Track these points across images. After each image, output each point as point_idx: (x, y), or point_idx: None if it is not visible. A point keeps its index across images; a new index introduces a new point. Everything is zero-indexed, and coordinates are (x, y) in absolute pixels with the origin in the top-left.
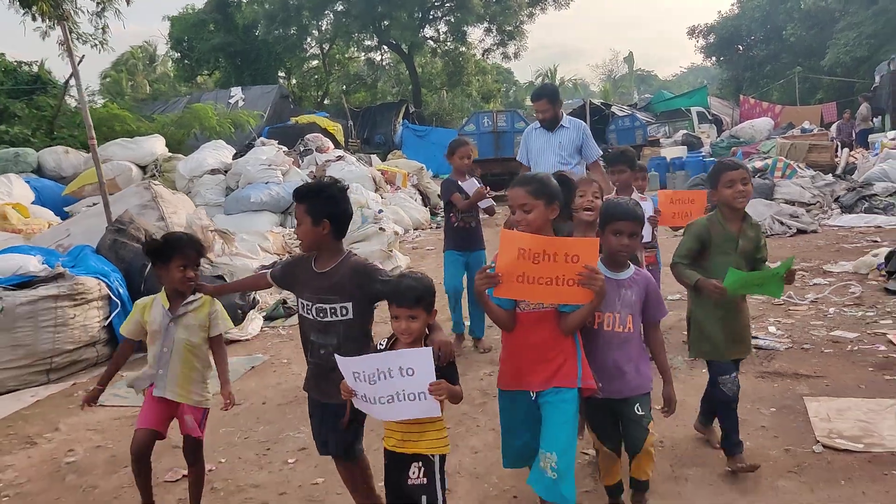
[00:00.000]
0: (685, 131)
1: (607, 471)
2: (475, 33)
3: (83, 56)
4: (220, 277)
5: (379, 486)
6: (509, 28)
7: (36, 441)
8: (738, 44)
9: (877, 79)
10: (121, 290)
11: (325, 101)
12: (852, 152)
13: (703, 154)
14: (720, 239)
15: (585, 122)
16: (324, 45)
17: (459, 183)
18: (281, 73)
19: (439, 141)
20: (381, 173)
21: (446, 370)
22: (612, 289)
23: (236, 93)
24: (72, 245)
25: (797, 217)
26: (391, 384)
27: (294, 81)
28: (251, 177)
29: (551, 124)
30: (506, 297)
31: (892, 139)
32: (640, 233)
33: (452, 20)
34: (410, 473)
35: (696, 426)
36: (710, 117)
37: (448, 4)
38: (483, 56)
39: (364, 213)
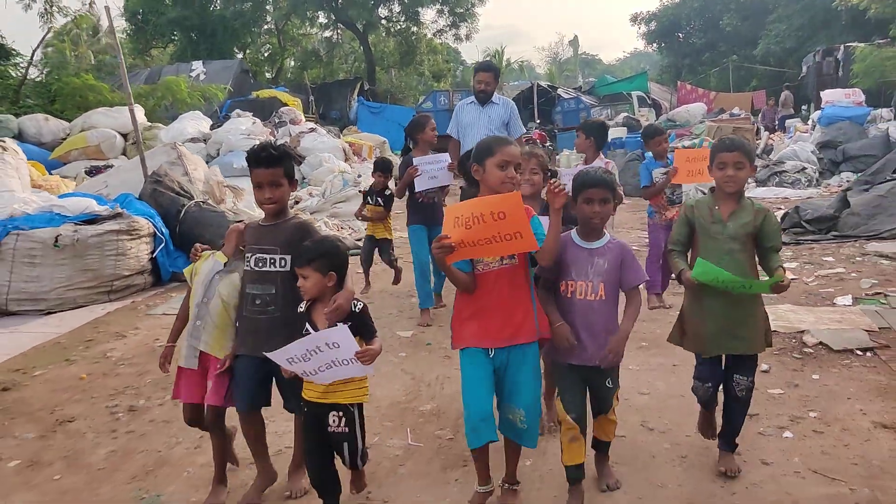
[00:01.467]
0: (626, 114)
1: (568, 446)
2: (428, 14)
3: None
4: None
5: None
6: (461, 10)
7: (125, 334)
8: (678, 32)
9: (804, 69)
10: (163, 230)
11: (279, 77)
12: (772, 135)
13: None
14: (707, 221)
15: (533, 103)
16: (279, 22)
17: (415, 159)
18: (236, 49)
19: (393, 118)
20: (350, 145)
21: (357, 325)
22: (584, 258)
23: (198, 67)
24: (110, 195)
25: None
26: (323, 356)
27: (249, 56)
28: (232, 145)
29: (485, 99)
30: (458, 260)
31: (806, 125)
32: (612, 198)
33: (406, 1)
34: (331, 422)
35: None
36: (649, 101)
37: None
38: (436, 36)
39: (345, 177)
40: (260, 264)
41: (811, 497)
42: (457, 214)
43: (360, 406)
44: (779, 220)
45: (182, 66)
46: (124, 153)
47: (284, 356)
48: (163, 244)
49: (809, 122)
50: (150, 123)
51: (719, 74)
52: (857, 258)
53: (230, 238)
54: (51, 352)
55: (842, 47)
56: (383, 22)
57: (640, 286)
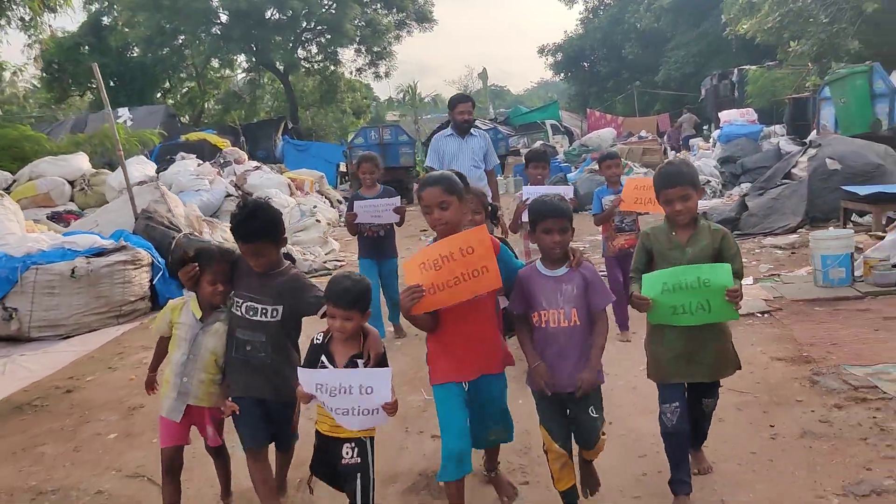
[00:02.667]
0: (542, 141)
1: (559, 473)
2: (347, 54)
3: None
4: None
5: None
6: (378, 49)
7: (150, 347)
8: (584, 61)
9: (702, 91)
10: (160, 260)
11: (200, 120)
12: (678, 154)
13: (559, 160)
14: (664, 247)
15: None
16: (198, 67)
17: (357, 204)
18: (157, 94)
19: (319, 154)
20: (291, 180)
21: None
22: (552, 286)
23: (124, 113)
24: (103, 232)
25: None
26: (349, 399)
27: (171, 101)
28: (182, 185)
29: (467, 129)
30: (428, 310)
31: (707, 143)
32: (570, 227)
33: (323, 41)
34: (344, 454)
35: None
36: (562, 129)
37: (319, 28)
38: (356, 75)
39: (302, 208)
40: (251, 313)
41: (729, 404)
42: (421, 261)
43: (371, 440)
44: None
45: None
46: (72, 199)
47: (315, 380)
48: (161, 272)
49: (710, 140)
50: (95, 170)
51: (625, 100)
52: (756, 250)
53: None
54: (90, 364)
55: (735, 70)
56: (303, 63)
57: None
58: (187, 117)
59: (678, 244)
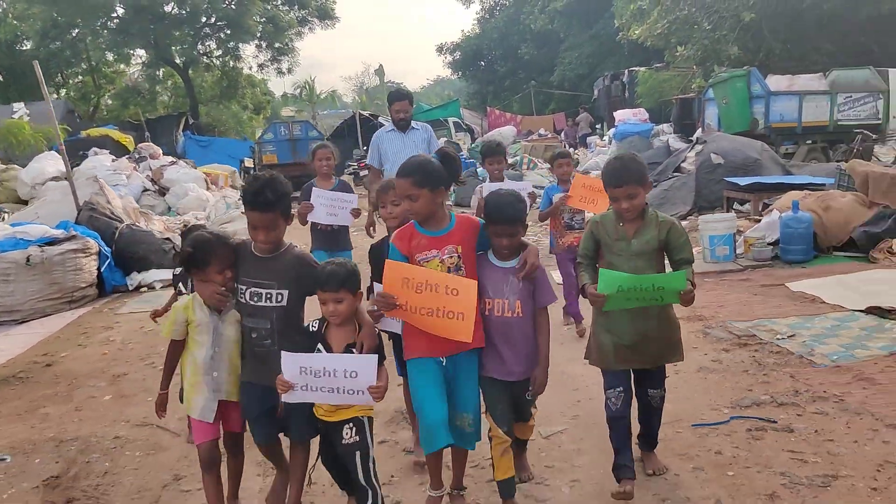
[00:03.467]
0: (445, 139)
1: (500, 461)
2: (248, 49)
3: None
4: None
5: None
6: (279, 45)
7: (111, 326)
8: (481, 60)
9: (595, 92)
10: (107, 248)
11: (96, 115)
12: (576, 151)
13: (464, 156)
14: (611, 238)
15: (357, 131)
16: (94, 62)
17: (316, 192)
18: (51, 88)
19: (222, 150)
20: (206, 175)
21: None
22: (500, 276)
23: (20, 108)
24: (44, 223)
25: (538, 197)
26: (333, 381)
27: (62, 96)
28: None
29: (405, 126)
30: (391, 318)
31: (603, 141)
32: (520, 230)
33: (223, 36)
34: (344, 435)
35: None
36: (464, 126)
37: (220, 23)
38: (258, 70)
39: (227, 200)
40: (255, 299)
41: (689, 331)
42: (407, 275)
43: (370, 420)
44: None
45: (2, 108)
46: None
47: (299, 363)
48: (108, 260)
49: (605, 138)
50: (4, 165)
51: (521, 99)
52: None
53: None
54: (58, 343)
55: (626, 72)
56: (204, 58)
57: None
58: (82, 112)
59: (624, 236)
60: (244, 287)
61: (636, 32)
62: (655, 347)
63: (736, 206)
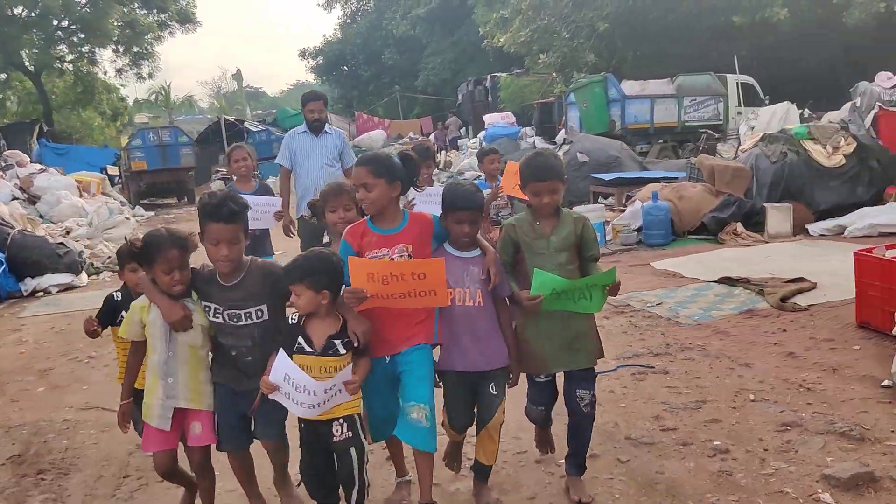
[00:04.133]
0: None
1: (452, 455)
2: (106, 54)
3: None
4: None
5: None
6: (138, 49)
7: (19, 329)
8: (344, 65)
9: (459, 97)
10: (1, 255)
11: None
12: (448, 153)
13: None
14: (530, 238)
15: (222, 136)
16: None
17: (236, 188)
18: None
19: (81, 158)
20: (78, 182)
21: (363, 350)
22: (459, 266)
23: None
24: None
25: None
26: (314, 398)
27: None
28: None
29: (319, 128)
30: (367, 307)
31: (473, 142)
32: (479, 217)
33: (76, 41)
34: (335, 432)
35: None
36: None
37: (73, 27)
38: (117, 76)
39: (110, 206)
40: (235, 320)
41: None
42: (370, 270)
43: (360, 416)
44: None
45: None
46: None
47: (285, 370)
48: (3, 266)
49: (475, 140)
50: None
51: (387, 104)
52: None
53: (174, 308)
54: None
55: (489, 77)
56: (57, 62)
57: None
58: None
59: (542, 234)
60: (220, 308)
61: (501, 40)
62: (587, 344)
63: (600, 199)
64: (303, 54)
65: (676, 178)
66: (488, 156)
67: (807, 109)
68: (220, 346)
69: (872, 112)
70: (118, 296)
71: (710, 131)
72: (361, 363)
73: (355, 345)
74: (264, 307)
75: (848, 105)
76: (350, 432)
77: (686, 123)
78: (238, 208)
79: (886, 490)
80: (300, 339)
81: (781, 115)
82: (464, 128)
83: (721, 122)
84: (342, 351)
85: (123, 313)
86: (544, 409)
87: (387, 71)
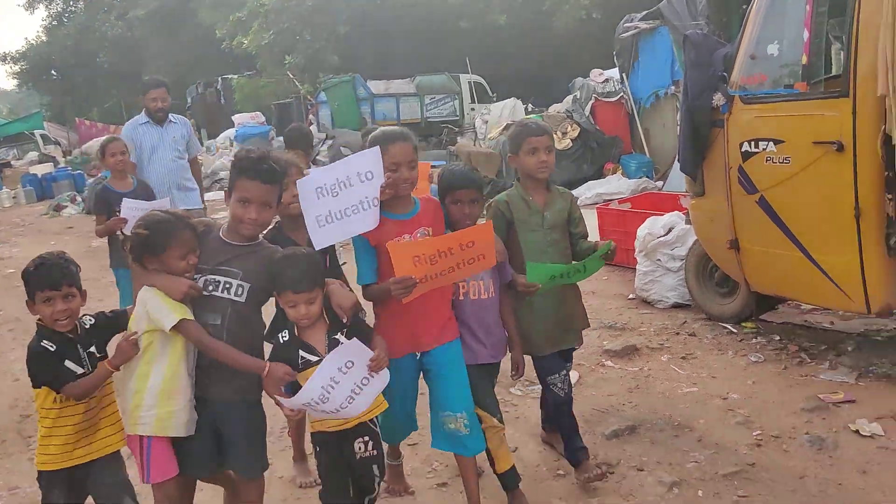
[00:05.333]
0: (35, 152)
1: (498, 451)
2: None
3: None
4: None
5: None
6: None
7: None
8: (53, 70)
9: (189, 99)
10: None
11: None
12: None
13: (69, 169)
14: (524, 214)
15: None
16: None
17: (127, 204)
18: None
19: None
20: None
21: (356, 328)
22: None
23: None
24: None
25: None
26: (343, 388)
27: None
28: None
29: (163, 118)
30: (418, 295)
31: (222, 142)
32: (481, 199)
33: None
34: (356, 448)
35: (541, 434)
36: (53, 139)
37: None
38: None
39: None
40: (211, 287)
41: None
42: (416, 253)
43: (378, 427)
44: None
45: None
46: None
47: (303, 400)
48: None
49: (227, 139)
50: None
51: (110, 108)
52: None
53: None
54: None
55: (220, 79)
56: None
57: None
58: None
59: (537, 209)
60: (199, 275)
61: (245, 42)
62: (577, 323)
63: None
64: (3, 59)
65: (441, 164)
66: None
67: (530, 104)
68: None
69: (590, 103)
70: (50, 345)
71: (450, 126)
72: (377, 340)
73: (344, 320)
74: (246, 286)
75: (570, 98)
76: (375, 450)
77: (428, 119)
78: (280, 168)
79: (645, 355)
80: (302, 353)
81: (510, 110)
82: (197, 131)
83: (458, 118)
84: (345, 342)
85: (69, 363)
86: (566, 372)
87: (103, 75)
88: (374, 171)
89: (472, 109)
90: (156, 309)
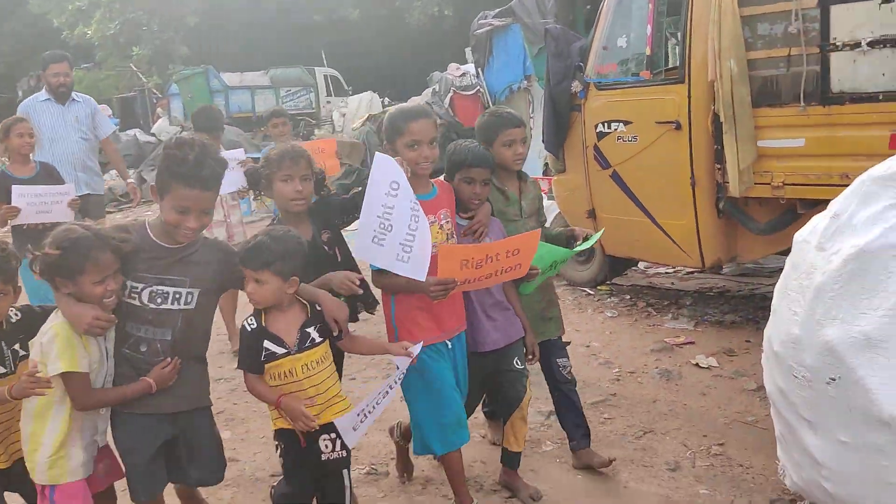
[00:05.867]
0: None
1: (520, 432)
2: None
3: None
4: None
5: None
6: None
7: None
8: None
9: (20, 93)
10: None
11: None
12: None
13: None
14: (502, 204)
15: None
16: None
17: (18, 191)
18: None
19: None
20: None
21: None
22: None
23: None
24: None
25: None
26: (384, 400)
27: None
28: None
29: (66, 95)
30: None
31: None
32: (491, 180)
33: None
34: (324, 448)
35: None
36: None
37: None
38: None
39: None
40: (159, 300)
41: None
42: (465, 257)
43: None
44: None
45: None
46: None
47: (351, 422)
48: None
49: None
50: None
51: None
52: None
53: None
54: None
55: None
56: None
57: None
58: None
59: (515, 199)
60: (140, 285)
61: (89, 32)
62: (556, 312)
63: None
64: None
65: None
66: (273, 119)
67: (387, 98)
68: (126, 340)
69: (449, 95)
70: None
71: (307, 118)
72: (360, 340)
73: (334, 333)
74: (196, 293)
75: (429, 90)
76: (343, 450)
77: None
78: (220, 169)
79: None
80: (267, 344)
81: (367, 103)
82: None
83: (315, 110)
84: (319, 339)
85: None
86: (567, 357)
87: None
88: (397, 180)
89: (329, 102)
90: (47, 346)
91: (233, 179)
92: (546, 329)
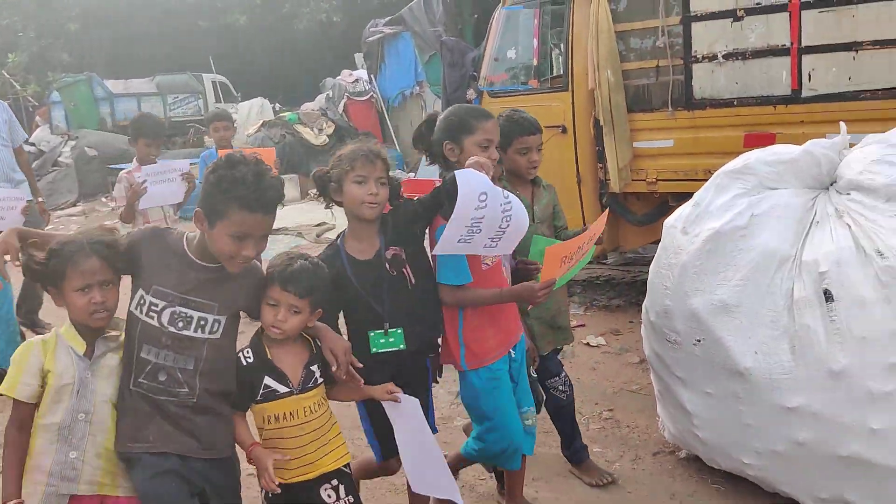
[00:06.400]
0: None
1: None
2: None
3: None
4: None
5: None
6: None
7: None
8: None
9: None
10: None
11: None
12: None
13: None
14: None
15: None
16: None
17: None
18: None
19: None
20: None
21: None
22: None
23: None
24: None
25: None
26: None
27: None
28: None
29: None
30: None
31: None
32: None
33: None
34: (326, 498)
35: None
36: None
37: None
38: None
39: None
40: (180, 324)
41: None
42: (563, 254)
43: (348, 465)
44: None
45: None
46: None
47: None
48: None
49: None
50: None
51: None
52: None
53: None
54: None
55: None
56: None
57: None
58: None
59: (527, 204)
60: (162, 303)
61: None
62: (566, 320)
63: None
64: None
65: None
66: (215, 122)
67: (278, 104)
68: (143, 369)
69: (342, 101)
70: None
71: (197, 125)
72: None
73: (332, 369)
74: (223, 320)
75: (322, 96)
76: (351, 496)
77: (172, 119)
78: (281, 189)
79: None
80: (268, 381)
81: (258, 109)
82: None
83: (203, 117)
84: (320, 379)
85: None
86: (566, 374)
87: None
88: (485, 191)
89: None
90: (19, 363)
91: (175, 191)
92: (557, 337)
